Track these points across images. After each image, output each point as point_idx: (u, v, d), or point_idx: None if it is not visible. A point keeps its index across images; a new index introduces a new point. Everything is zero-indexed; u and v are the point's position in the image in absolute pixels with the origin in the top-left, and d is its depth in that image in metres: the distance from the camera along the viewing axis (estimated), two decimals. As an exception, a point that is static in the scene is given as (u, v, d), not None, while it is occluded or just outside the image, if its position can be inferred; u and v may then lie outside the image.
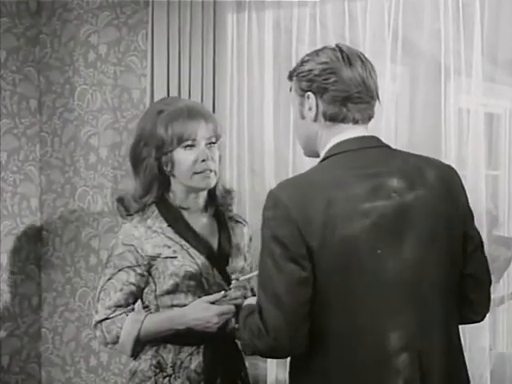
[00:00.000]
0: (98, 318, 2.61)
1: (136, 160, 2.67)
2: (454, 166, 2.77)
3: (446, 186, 2.12)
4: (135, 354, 2.63)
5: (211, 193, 2.72)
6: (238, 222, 2.81)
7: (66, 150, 3.94)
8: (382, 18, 3.07)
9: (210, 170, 2.61)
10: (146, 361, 2.62)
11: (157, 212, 2.65)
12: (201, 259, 2.60)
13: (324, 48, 2.16)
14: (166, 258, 2.58)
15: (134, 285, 2.60)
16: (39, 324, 4.05)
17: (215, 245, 2.67)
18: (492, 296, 2.27)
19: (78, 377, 3.96)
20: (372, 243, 1.99)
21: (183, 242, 2.61)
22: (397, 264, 2.00)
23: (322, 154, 2.12)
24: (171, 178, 2.65)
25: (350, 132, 2.10)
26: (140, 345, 2.60)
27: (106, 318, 2.59)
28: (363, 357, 1.99)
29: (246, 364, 2.81)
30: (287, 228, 1.97)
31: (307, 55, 2.17)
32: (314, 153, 2.18)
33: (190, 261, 2.59)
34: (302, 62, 2.15)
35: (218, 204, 2.74)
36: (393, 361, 1.99)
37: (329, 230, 1.96)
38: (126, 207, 2.69)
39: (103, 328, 2.60)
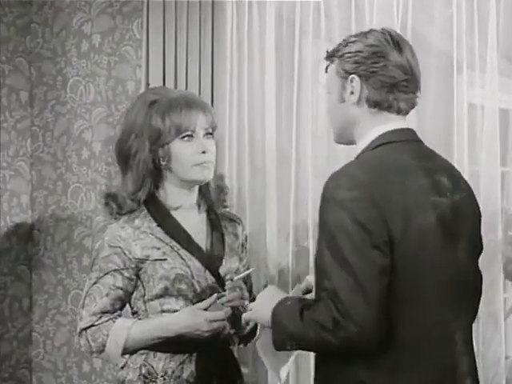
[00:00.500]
0: (82, 325, 2.52)
1: (126, 155, 2.57)
2: (466, 162, 2.85)
3: (470, 189, 2.15)
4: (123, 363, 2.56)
5: (203, 189, 2.64)
6: (231, 220, 2.73)
7: (58, 145, 3.89)
8: (391, 9, 2.99)
9: (209, 162, 2.55)
10: (134, 370, 2.54)
11: (145, 211, 2.57)
12: (192, 261, 2.53)
13: (371, 30, 2.10)
14: (156, 260, 2.50)
15: (121, 289, 2.52)
16: (30, 328, 3.99)
17: (208, 245, 2.59)
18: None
19: (71, 383, 3.90)
20: (438, 238, 1.97)
21: (174, 243, 2.53)
22: (454, 263, 2.00)
23: (364, 142, 2.06)
24: (166, 173, 2.57)
25: (395, 123, 2.06)
26: (127, 353, 2.52)
27: (92, 325, 2.51)
28: (429, 357, 1.95)
29: (245, 370, 2.78)
30: (370, 212, 1.90)
31: (353, 36, 2.11)
32: (348, 140, 2.13)
33: (180, 263, 2.52)
34: (348, 43, 2.09)
35: (211, 201, 2.66)
36: (458, 364, 1.98)
37: (408, 218, 1.92)
38: (119, 205, 2.59)
39: (88, 336, 2.51)
